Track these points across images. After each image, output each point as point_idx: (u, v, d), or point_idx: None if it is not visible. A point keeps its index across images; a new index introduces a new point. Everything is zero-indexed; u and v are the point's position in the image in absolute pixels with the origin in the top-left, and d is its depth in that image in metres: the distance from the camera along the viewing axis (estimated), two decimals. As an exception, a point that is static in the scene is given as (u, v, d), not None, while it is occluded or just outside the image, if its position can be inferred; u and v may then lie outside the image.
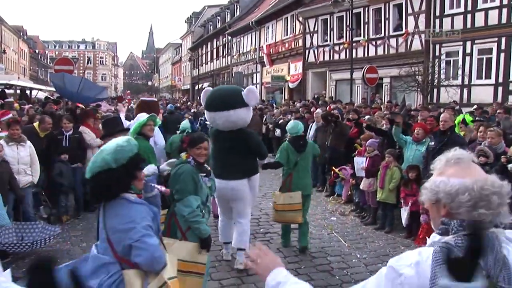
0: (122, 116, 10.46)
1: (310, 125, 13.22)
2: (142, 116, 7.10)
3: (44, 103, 15.15)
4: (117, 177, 3.16)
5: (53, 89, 33.22)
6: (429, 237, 1.95)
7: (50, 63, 74.00)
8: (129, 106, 26.11)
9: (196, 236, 4.70)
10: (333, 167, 10.89)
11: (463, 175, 1.84)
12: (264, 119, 18.82)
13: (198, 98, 46.07)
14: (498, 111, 9.36)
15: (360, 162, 9.51)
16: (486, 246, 1.68)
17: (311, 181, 7.95)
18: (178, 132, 9.72)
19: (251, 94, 6.22)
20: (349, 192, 10.68)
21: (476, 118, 10.01)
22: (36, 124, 9.41)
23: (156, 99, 15.91)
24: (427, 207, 2.01)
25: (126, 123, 9.22)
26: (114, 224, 3.18)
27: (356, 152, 10.08)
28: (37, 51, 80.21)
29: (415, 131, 8.71)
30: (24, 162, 7.96)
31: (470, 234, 1.72)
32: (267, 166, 7.72)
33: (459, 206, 1.80)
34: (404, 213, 8.30)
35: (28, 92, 26.28)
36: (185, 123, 9.27)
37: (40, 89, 29.88)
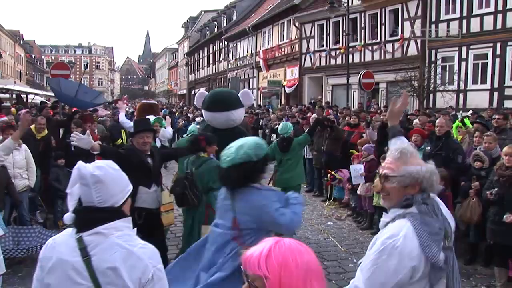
0: (122, 114, 10.47)
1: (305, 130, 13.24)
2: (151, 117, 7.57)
3: (40, 108, 15.12)
4: (254, 169, 3.70)
5: (50, 94, 33.26)
6: None
7: (46, 67, 73.96)
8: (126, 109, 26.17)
9: None
10: (329, 170, 10.88)
11: (420, 163, 2.68)
12: (260, 124, 18.87)
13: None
14: (497, 116, 9.34)
15: (358, 169, 9.41)
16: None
17: (297, 175, 8.65)
18: (186, 135, 9.66)
19: (246, 96, 7.00)
20: (347, 197, 10.65)
21: (477, 120, 10.00)
22: (33, 127, 9.41)
23: (156, 102, 15.96)
24: (388, 190, 2.68)
25: (128, 123, 9.24)
26: (245, 207, 3.64)
27: (352, 159, 10.07)
28: (33, 55, 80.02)
29: (413, 137, 8.70)
30: (20, 166, 7.95)
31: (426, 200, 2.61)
32: None
33: (431, 185, 2.62)
34: None
35: (24, 96, 26.22)
36: (192, 127, 9.40)
37: (37, 94, 29.82)
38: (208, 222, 5.16)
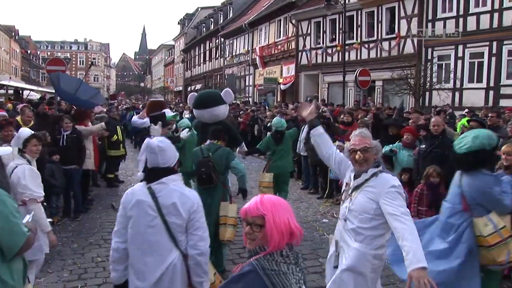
0: (136, 117, 10.41)
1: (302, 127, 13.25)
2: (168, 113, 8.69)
3: (37, 104, 15.07)
4: (487, 156, 4.68)
5: (45, 90, 33.20)
6: None
7: (42, 63, 73.59)
8: (121, 107, 26.10)
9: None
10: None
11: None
12: (256, 121, 18.88)
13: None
14: (491, 114, 9.38)
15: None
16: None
17: (288, 163, 9.96)
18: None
19: (227, 94, 8.23)
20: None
21: (474, 118, 10.01)
22: (19, 118, 9.39)
23: (162, 98, 16.36)
24: (367, 158, 4.01)
25: (141, 122, 9.33)
26: (472, 186, 4.67)
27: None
28: (29, 51, 79.76)
29: (405, 136, 8.75)
30: (14, 162, 7.91)
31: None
32: (249, 153, 9.85)
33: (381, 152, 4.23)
34: None
35: (20, 92, 26.17)
36: (182, 121, 9.86)
37: (32, 90, 29.75)
38: (225, 199, 6.55)
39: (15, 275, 3.20)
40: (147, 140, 3.95)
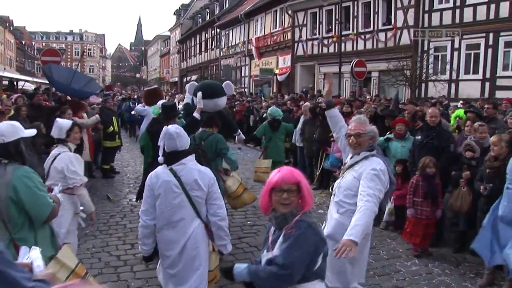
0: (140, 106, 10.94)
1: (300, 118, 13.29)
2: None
3: (31, 95, 14.99)
4: None
5: (40, 81, 33.01)
6: (414, 231, 6.06)
7: (37, 54, 73.20)
8: (116, 97, 25.99)
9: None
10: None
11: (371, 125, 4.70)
12: (252, 111, 18.89)
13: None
14: (487, 106, 9.37)
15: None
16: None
17: (282, 151, 10.82)
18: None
19: (228, 86, 8.56)
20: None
21: (470, 109, 9.99)
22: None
23: (157, 86, 16.62)
24: (360, 142, 4.50)
25: (143, 111, 9.96)
26: None
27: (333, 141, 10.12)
28: (23, 42, 79.28)
29: (397, 127, 8.64)
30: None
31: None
32: (247, 140, 10.68)
33: (377, 137, 4.73)
34: (386, 208, 8.23)
35: (14, 83, 26.05)
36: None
37: (27, 80, 29.59)
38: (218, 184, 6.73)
39: (41, 239, 3.81)
40: (165, 128, 4.42)
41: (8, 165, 3.77)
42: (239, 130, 9.35)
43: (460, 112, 10.42)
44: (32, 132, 4.11)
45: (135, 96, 26.92)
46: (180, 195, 4.30)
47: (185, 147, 4.41)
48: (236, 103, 21.47)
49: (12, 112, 9.60)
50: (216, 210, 4.40)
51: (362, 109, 11.98)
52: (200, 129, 7.31)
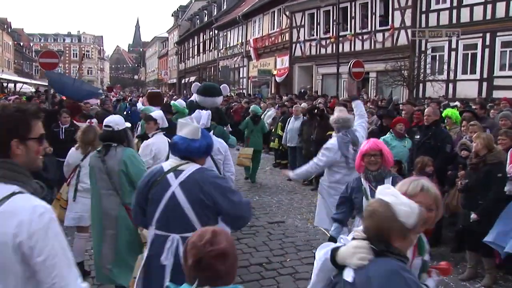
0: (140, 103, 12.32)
1: (289, 118, 13.46)
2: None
3: (28, 98, 15.03)
4: None
5: (38, 83, 33.05)
6: None
7: (35, 56, 73.06)
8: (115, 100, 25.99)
9: None
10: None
11: (347, 114, 6.82)
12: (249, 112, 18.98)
13: (185, 92, 45.95)
14: (475, 106, 9.44)
15: None
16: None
17: (261, 142, 13.18)
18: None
19: (225, 88, 10.04)
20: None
21: (466, 109, 9.99)
22: None
23: (159, 90, 17.66)
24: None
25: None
26: None
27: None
28: (21, 44, 79.15)
29: (397, 127, 8.59)
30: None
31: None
32: (231, 132, 11.32)
33: (343, 125, 6.50)
34: None
35: (12, 85, 26.04)
36: (179, 102, 11.50)
37: (25, 83, 29.57)
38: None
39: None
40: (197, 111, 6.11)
41: (118, 147, 5.08)
42: (229, 125, 11.34)
43: (449, 111, 10.30)
44: (129, 124, 5.51)
45: (130, 99, 26.94)
46: (208, 159, 4.90)
47: (206, 125, 5.89)
48: (233, 104, 21.49)
49: None
50: (230, 168, 6.28)
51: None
52: None
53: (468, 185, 6.24)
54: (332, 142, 6.41)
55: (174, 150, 3.71)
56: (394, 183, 3.87)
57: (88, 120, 7.43)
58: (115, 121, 5.18)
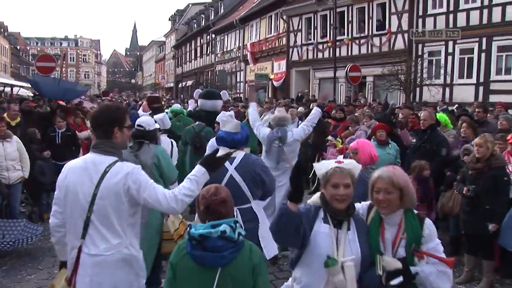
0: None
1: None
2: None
3: (21, 100, 14.98)
4: None
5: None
6: None
7: (32, 60, 73.00)
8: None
9: None
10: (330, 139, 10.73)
11: (285, 114, 7.91)
12: (245, 116, 18.98)
13: (182, 96, 45.93)
14: (477, 110, 9.45)
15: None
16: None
17: (256, 143, 11.94)
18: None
19: (224, 94, 11.62)
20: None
21: (463, 113, 10.02)
22: (6, 115, 9.40)
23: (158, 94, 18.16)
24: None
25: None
26: None
27: (337, 150, 9.97)
28: (18, 47, 79.14)
29: (378, 133, 8.05)
30: (12, 158, 7.91)
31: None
32: None
33: (277, 123, 7.39)
34: None
35: (9, 89, 25.96)
36: (176, 106, 12.72)
37: (21, 86, 29.48)
38: None
39: None
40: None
41: (150, 144, 5.63)
42: None
43: (438, 115, 10.18)
44: (157, 125, 6.21)
45: (126, 102, 26.95)
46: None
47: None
48: (230, 109, 21.48)
49: (19, 119, 9.57)
50: None
51: (356, 114, 12.06)
52: (197, 123, 9.22)
53: (476, 190, 6.05)
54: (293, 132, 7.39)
55: (222, 142, 4.68)
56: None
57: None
58: (147, 122, 5.78)
